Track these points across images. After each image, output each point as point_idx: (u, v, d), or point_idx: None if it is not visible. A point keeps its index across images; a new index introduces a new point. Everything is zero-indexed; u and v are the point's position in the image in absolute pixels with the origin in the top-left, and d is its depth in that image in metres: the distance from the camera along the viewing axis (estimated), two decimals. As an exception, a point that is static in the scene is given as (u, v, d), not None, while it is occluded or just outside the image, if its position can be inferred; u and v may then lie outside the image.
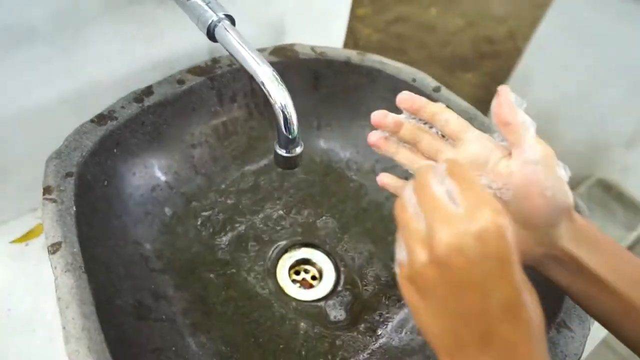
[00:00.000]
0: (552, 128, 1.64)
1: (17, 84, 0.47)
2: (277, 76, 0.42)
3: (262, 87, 0.42)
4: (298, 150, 0.44)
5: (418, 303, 0.28)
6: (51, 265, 0.39)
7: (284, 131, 0.43)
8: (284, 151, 0.44)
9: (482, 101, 2.18)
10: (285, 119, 0.43)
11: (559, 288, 0.35)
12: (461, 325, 0.27)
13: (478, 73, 2.43)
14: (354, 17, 2.58)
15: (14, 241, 0.57)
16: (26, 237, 0.57)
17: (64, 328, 0.36)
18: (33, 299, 0.53)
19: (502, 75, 2.31)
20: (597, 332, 0.58)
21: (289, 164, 0.44)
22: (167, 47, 0.55)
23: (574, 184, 1.71)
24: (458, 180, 0.28)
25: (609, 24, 1.39)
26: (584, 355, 0.43)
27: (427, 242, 0.27)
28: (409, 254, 0.28)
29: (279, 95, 0.42)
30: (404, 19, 2.66)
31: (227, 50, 0.44)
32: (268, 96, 0.42)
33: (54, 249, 0.40)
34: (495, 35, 2.66)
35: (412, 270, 0.28)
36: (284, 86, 0.43)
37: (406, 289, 0.29)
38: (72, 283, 0.38)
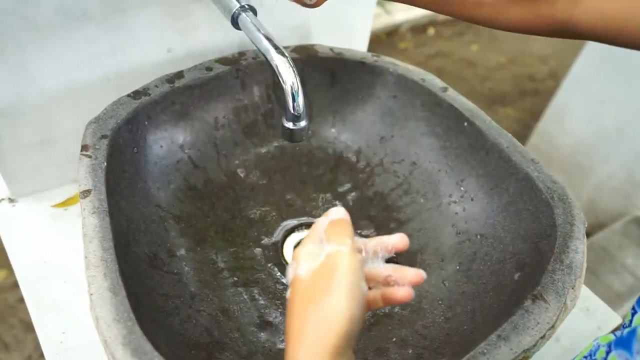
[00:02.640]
0: (588, 162, 1.63)
1: (69, 60, 0.55)
2: (289, 60, 0.48)
3: (275, 68, 0.48)
4: (303, 123, 0.49)
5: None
6: (81, 208, 0.45)
7: (291, 109, 0.48)
8: (291, 124, 0.49)
9: (519, 135, 2.18)
10: (293, 97, 0.48)
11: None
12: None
13: (517, 108, 2.44)
14: (395, 50, 2.66)
15: (55, 205, 0.64)
16: (66, 203, 0.64)
17: (85, 257, 0.42)
18: (66, 255, 0.59)
19: (541, 111, 2.30)
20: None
21: (294, 136, 0.49)
22: (200, 39, 0.62)
23: (609, 220, 1.67)
24: None
25: (645, 59, 1.39)
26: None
27: None
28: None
29: (289, 76, 0.48)
30: (444, 54, 2.71)
31: (247, 35, 0.50)
32: (279, 76, 0.48)
33: (84, 195, 0.46)
34: (536, 73, 2.67)
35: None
36: (294, 68, 0.48)
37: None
38: (96, 223, 0.44)
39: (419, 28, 2.87)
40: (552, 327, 0.41)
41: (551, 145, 1.75)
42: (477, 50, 2.77)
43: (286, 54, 0.48)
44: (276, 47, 0.48)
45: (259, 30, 0.49)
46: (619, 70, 1.47)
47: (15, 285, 1.41)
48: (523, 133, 2.20)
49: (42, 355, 1.34)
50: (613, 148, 1.57)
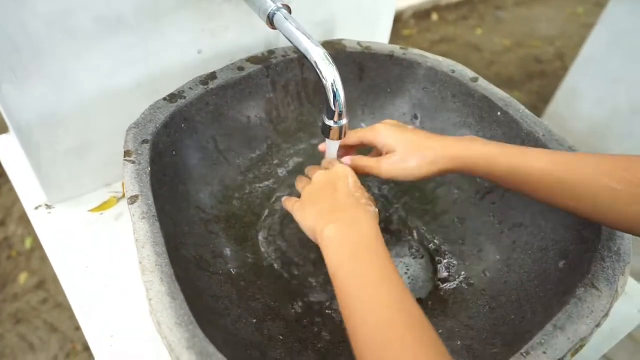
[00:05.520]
0: (602, 143, 1.62)
1: (105, 66, 0.55)
2: (328, 56, 0.48)
3: (315, 66, 0.48)
4: (344, 121, 0.49)
5: (301, 212, 0.48)
6: (130, 214, 0.46)
7: (332, 105, 0.48)
8: (332, 122, 0.49)
9: (528, 118, 2.17)
10: (334, 94, 0.48)
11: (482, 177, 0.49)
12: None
13: (525, 92, 2.42)
14: (399, 37, 2.64)
15: (91, 210, 0.64)
16: (101, 207, 0.65)
17: (140, 263, 0.42)
18: (105, 260, 0.60)
19: (549, 93, 2.29)
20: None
21: (335, 134, 0.49)
22: (229, 39, 0.62)
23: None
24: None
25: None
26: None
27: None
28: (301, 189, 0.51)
29: (329, 73, 0.48)
30: (449, 39, 2.70)
31: (284, 35, 0.50)
32: (319, 74, 0.48)
33: (132, 200, 0.46)
34: (543, 55, 2.65)
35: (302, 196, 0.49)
36: (334, 65, 0.48)
37: (295, 208, 0.49)
38: (147, 228, 0.44)
39: (422, 14, 2.85)
40: (606, 315, 0.42)
41: (563, 128, 1.75)
42: (482, 34, 2.75)
43: (326, 52, 0.48)
44: (316, 45, 0.48)
45: (297, 28, 0.49)
46: (630, 49, 1.46)
47: (37, 287, 1.43)
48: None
49: (68, 356, 1.35)
50: (627, 128, 1.56)
